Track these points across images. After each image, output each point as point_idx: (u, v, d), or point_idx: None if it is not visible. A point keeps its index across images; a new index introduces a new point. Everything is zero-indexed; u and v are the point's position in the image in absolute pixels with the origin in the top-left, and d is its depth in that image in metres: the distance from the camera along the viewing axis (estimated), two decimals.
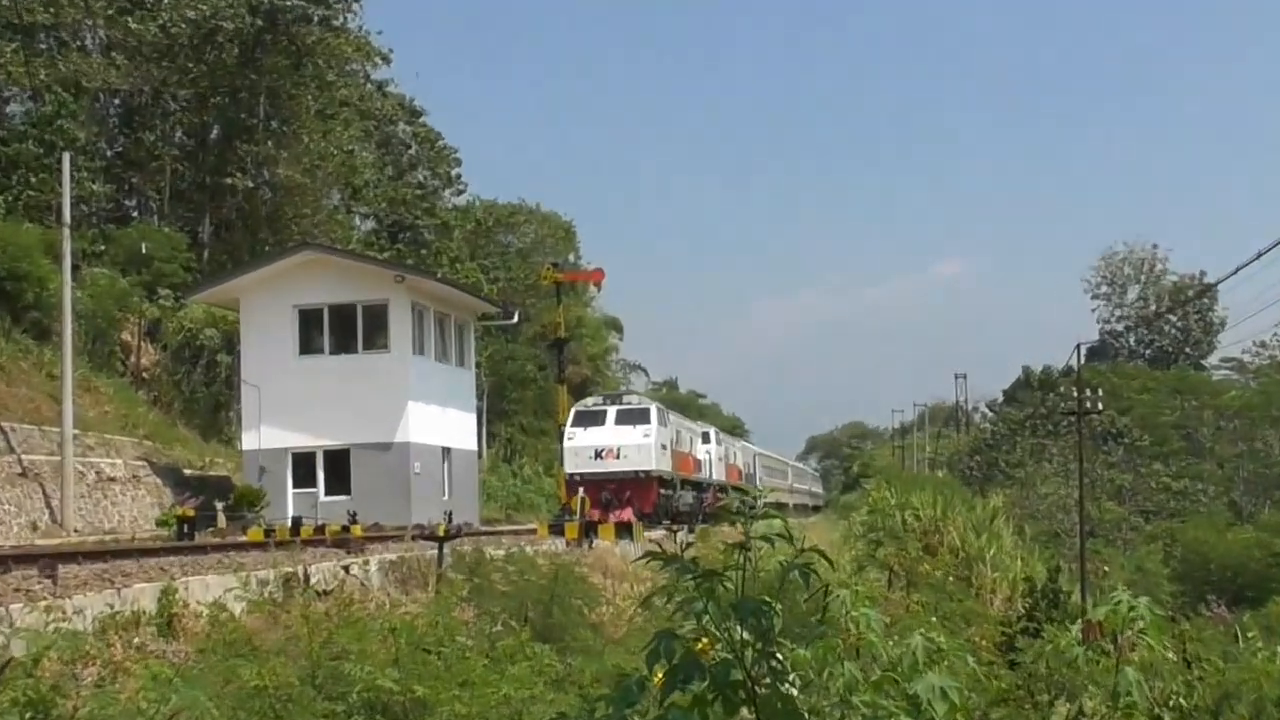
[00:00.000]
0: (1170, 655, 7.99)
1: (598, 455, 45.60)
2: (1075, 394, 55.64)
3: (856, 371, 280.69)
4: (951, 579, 28.98)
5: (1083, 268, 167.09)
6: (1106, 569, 40.19)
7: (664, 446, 48.59)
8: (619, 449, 45.89)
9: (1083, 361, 67.39)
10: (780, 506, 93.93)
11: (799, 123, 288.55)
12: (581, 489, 41.46)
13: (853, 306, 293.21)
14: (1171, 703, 8.00)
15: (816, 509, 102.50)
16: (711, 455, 60.68)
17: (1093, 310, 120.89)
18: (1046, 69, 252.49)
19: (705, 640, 4.15)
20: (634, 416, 47.78)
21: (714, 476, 60.59)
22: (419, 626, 12.50)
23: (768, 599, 4.14)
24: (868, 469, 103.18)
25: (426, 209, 68.44)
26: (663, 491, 48.28)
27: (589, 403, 49.60)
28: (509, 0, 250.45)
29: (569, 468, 45.21)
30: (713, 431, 64.64)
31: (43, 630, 8.47)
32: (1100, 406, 58.10)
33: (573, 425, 46.37)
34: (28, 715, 6.36)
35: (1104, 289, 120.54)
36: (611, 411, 47.71)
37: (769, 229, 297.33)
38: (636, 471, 45.62)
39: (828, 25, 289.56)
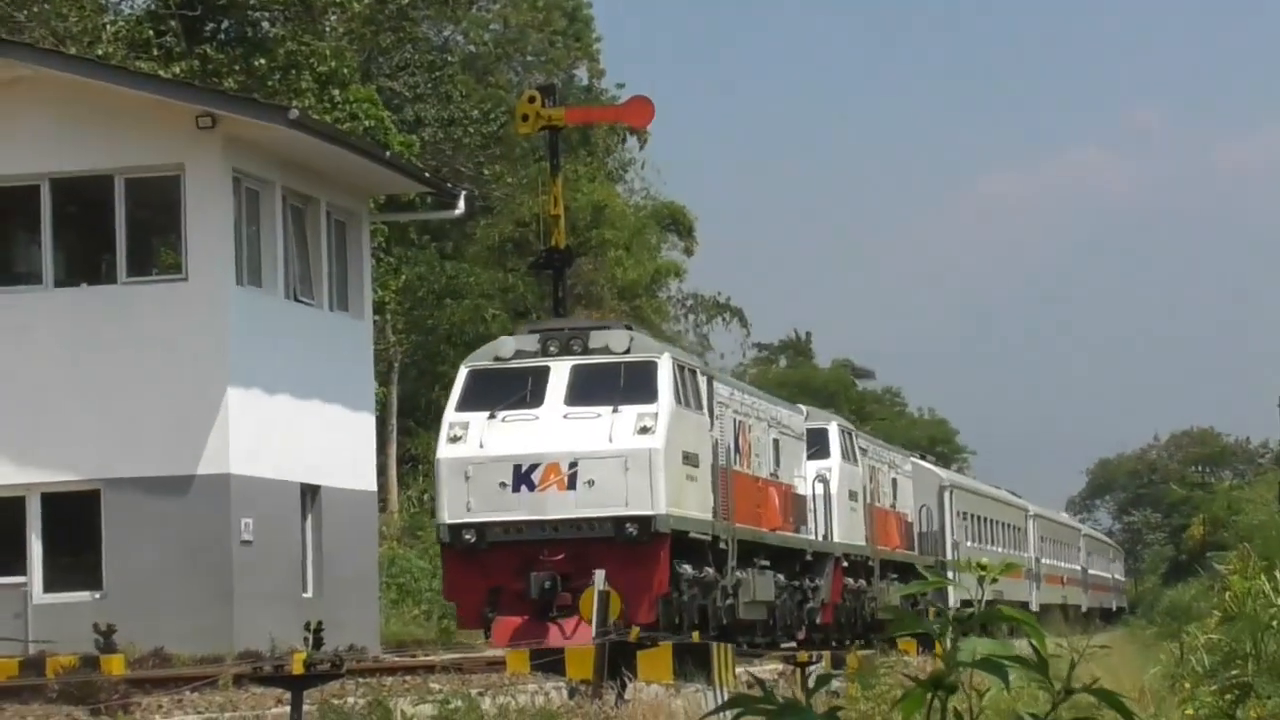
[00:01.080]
0: None
1: (522, 481, 37.52)
2: None
3: (1196, 327, 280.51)
4: None
5: None
6: None
7: (689, 457, 39.88)
8: (573, 465, 37.63)
9: None
10: (1067, 609, 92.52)
11: None
12: (482, 568, 37.34)
13: (1186, 180, 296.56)
14: None
15: (1115, 612, 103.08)
16: (832, 481, 51.46)
17: None
18: None
19: None
20: (618, 381, 39.66)
21: (835, 533, 51.73)
22: None
23: None
24: (1223, 529, 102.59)
25: None
26: (689, 570, 39.52)
27: (505, 349, 40.82)
28: None
29: (447, 514, 38.47)
30: (834, 427, 55.54)
31: None
32: None
33: (463, 406, 39.45)
34: None
35: None
36: (561, 369, 39.50)
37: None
38: (621, 522, 37.43)
39: None
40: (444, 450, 36.19)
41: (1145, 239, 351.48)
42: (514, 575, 34.61)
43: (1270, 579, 46.11)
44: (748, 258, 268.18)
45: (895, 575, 55.14)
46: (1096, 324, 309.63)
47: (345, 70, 68.18)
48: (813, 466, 48.82)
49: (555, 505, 34.72)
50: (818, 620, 44.92)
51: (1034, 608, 71.38)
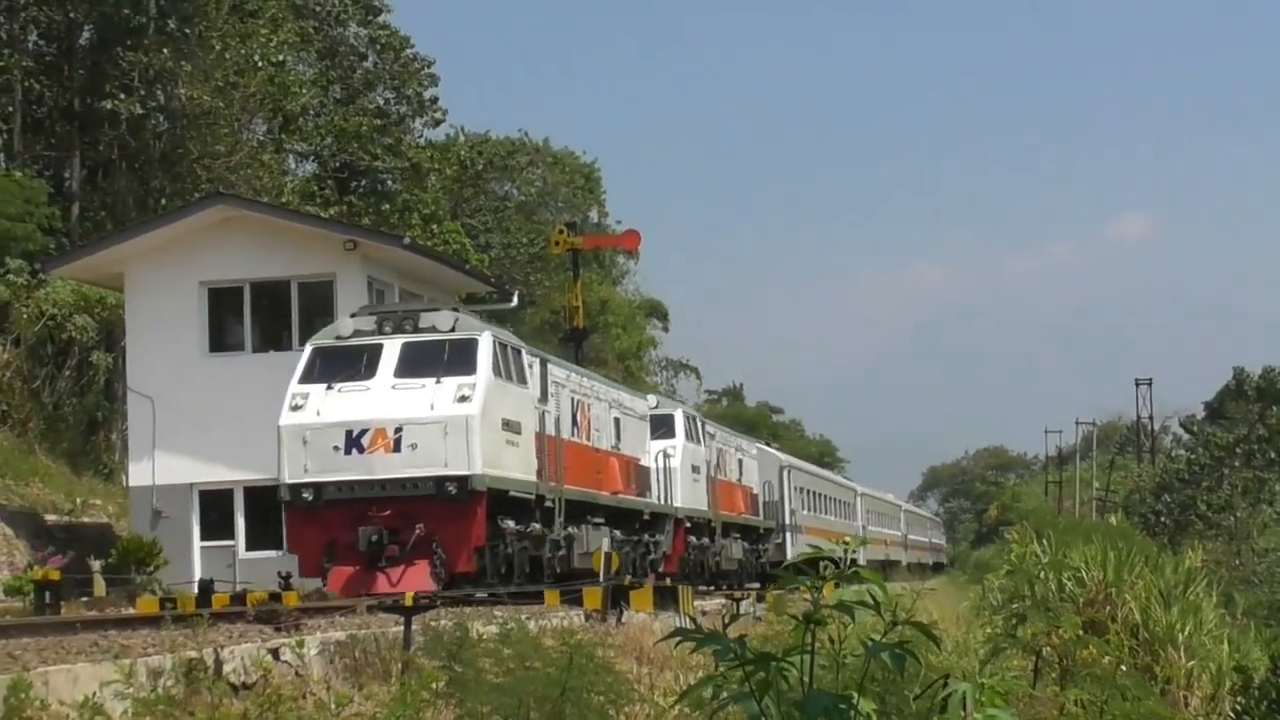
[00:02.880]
0: None
1: (353, 445, 29.99)
2: None
3: (996, 377, 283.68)
4: (1127, 668, 28.83)
5: None
6: None
7: (510, 424, 31.48)
8: (398, 430, 29.77)
9: None
10: (889, 565, 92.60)
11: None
12: (319, 523, 29.80)
13: (990, 284, 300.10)
14: None
15: (938, 567, 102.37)
16: (676, 458, 42.40)
17: None
18: None
19: None
20: (441, 356, 30.91)
21: (676, 499, 41.79)
22: None
23: (851, 694, 4.16)
24: (1009, 512, 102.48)
25: (389, 146, 68.44)
26: (512, 525, 31.41)
27: (345, 329, 32.38)
28: None
29: (287, 474, 30.17)
30: (679, 413, 45.73)
31: None
32: None
33: (304, 379, 31.10)
34: None
35: None
36: (393, 347, 31.15)
37: (866, 176, 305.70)
38: (442, 481, 29.27)
39: None
40: (285, 418, 29.51)
41: (961, 322, 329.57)
42: (347, 530, 28.67)
43: (1038, 544, 46.29)
44: (706, 324, 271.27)
45: (738, 535, 49.27)
46: (929, 377, 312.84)
47: (440, 212, 68.37)
48: (659, 444, 41.16)
49: (382, 466, 28.35)
50: (660, 569, 38.16)
51: (862, 562, 60.19)
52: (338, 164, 65.74)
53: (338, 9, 67.02)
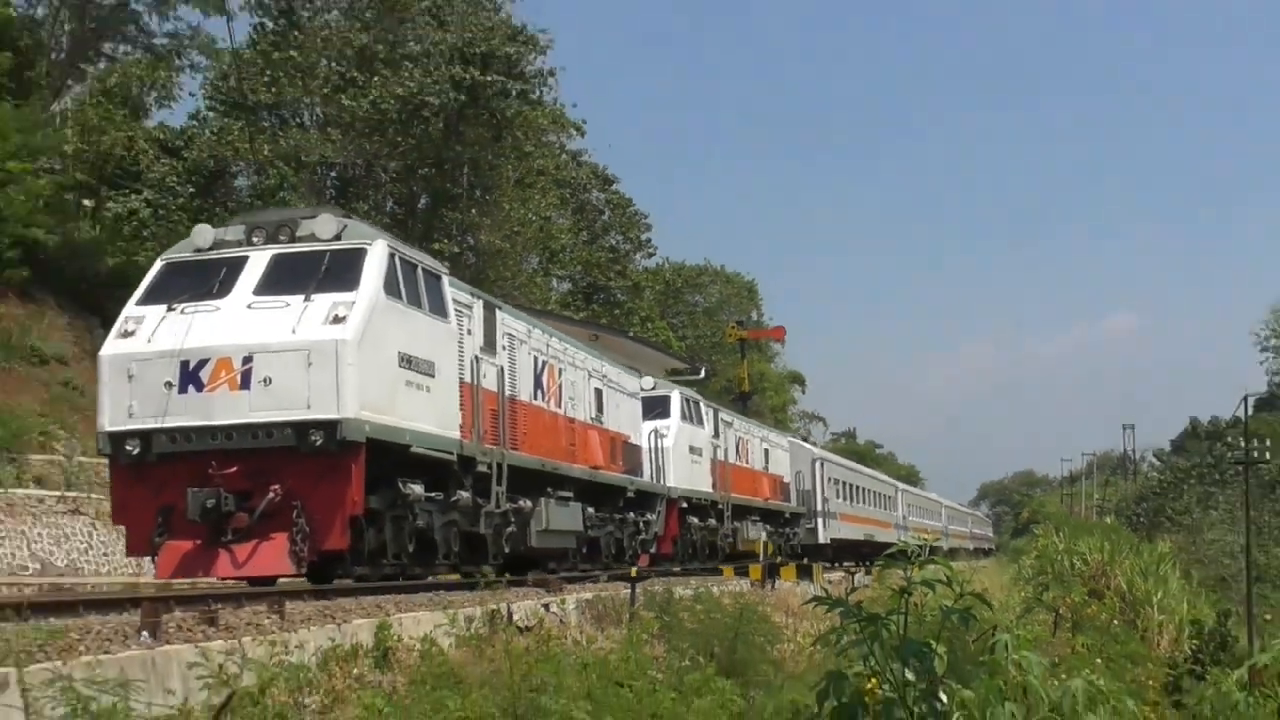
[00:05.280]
0: None
1: (189, 381, 14.97)
2: (1243, 444, 54.30)
3: (1028, 423, 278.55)
4: (1117, 622, 28.37)
5: (1250, 320, 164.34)
6: (1269, 617, 38.83)
7: (413, 362, 16.21)
8: (247, 360, 14.89)
9: (1250, 413, 65.50)
10: (933, 550, 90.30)
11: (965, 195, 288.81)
12: (152, 484, 15.10)
13: (1022, 360, 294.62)
14: None
15: (988, 553, 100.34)
16: (669, 437, 29.59)
17: (1261, 363, 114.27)
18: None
19: (873, 681, 4.24)
20: (319, 270, 15.62)
21: (670, 479, 28.98)
22: (612, 661, 12.71)
23: (930, 642, 4.22)
24: (1037, 515, 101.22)
25: (619, 271, 68.94)
26: (417, 490, 16.51)
27: (204, 238, 16.59)
28: (692, 79, 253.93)
29: (107, 420, 15.25)
30: (676, 394, 31.67)
31: (268, 663, 8.80)
32: (1268, 456, 56.92)
33: (145, 300, 16.04)
34: None
35: (1273, 342, 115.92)
36: (260, 259, 15.95)
37: (940, 285, 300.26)
38: (304, 428, 14.53)
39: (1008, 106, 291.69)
40: (107, 347, 16.02)
41: (1009, 385, 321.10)
42: (172, 490, 15.45)
43: (1056, 537, 45.37)
44: (836, 384, 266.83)
45: (758, 518, 37.47)
46: (988, 423, 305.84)
47: (652, 315, 68.73)
48: (654, 424, 28.69)
49: (225, 408, 15.15)
50: (653, 550, 27.24)
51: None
52: (584, 284, 66.35)
53: (585, 181, 67.78)
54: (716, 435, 33.62)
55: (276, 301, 14.73)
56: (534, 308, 46.54)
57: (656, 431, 28.48)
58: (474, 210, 49.30)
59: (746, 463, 37.75)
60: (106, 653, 8.44)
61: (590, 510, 23.07)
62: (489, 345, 18.84)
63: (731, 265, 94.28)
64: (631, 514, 25.98)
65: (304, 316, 14.49)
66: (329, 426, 13.96)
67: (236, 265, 15.31)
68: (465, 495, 17.29)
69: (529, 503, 19.76)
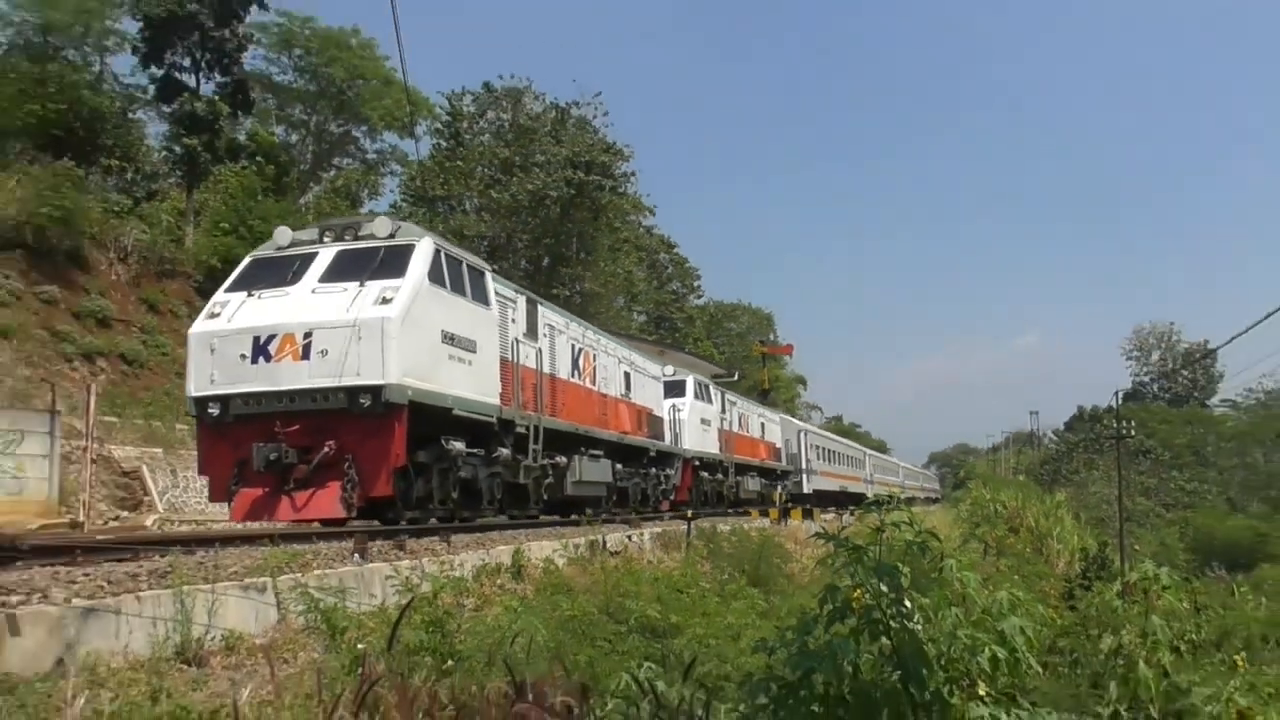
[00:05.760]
0: (1185, 605, 7.52)
1: (260, 353, 12.36)
2: (1115, 424, 53.48)
3: (965, 409, 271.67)
4: (1028, 550, 27.81)
5: (1118, 338, 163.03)
6: (1138, 546, 38.01)
7: (455, 339, 13.54)
8: (308, 335, 12.27)
9: (1120, 402, 64.34)
10: (900, 501, 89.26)
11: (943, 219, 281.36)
12: (230, 441, 12.33)
13: (966, 364, 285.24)
14: (1186, 638, 7.54)
15: (935, 500, 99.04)
16: (685, 411, 26.54)
17: (1126, 367, 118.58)
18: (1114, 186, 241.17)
19: (858, 591, 4.12)
20: (374, 262, 13.08)
21: (685, 442, 26.02)
22: (674, 575, 12.57)
23: (898, 565, 4.10)
24: (970, 474, 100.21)
25: (678, 308, 68.84)
26: (459, 447, 13.69)
27: (284, 238, 13.83)
28: (727, 160, 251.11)
29: (193, 386, 12.55)
30: (690, 379, 28.16)
31: (439, 575, 8.77)
32: (1133, 433, 56.25)
33: (232, 288, 13.25)
34: (430, 628, 6.57)
35: (1135, 353, 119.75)
36: (327, 254, 13.34)
37: (904, 304, 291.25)
38: (354, 392, 12.00)
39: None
40: (195, 326, 13.17)
41: (961, 385, 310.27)
42: (239, 445, 12.75)
43: (984, 489, 44.56)
44: (833, 376, 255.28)
45: (756, 474, 34.60)
46: (939, 409, 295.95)
47: (701, 336, 68.54)
48: (672, 401, 25.87)
49: (289, 376, 12.38)
50: (672, 497, 24.56)
51: (869, 495, 55.48)
52: (655, 316, 66.24)
53: (655, 246, 67.75)
54: (724, 411, 31.16)
55: (336, 288, 12.61)
56: (620, 332, 46.59)
57: (675, 407, 25.94)
58: (580, 267, 49.43)
59: (747, 432, 34.71)
60: (330, 568, 8.46)
61: (619, 466, 20.52)
62: (531, 332, 16.48)
63: (756, 301, 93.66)
64: (654, 470, 23.48)
65: (357, 299, 12.38)
66: (375, 391, 11.89)
67: (308, 259, 13.17)
68: (505, 452, 14.92)
69: (564, 459, 17.37)
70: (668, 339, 58.46)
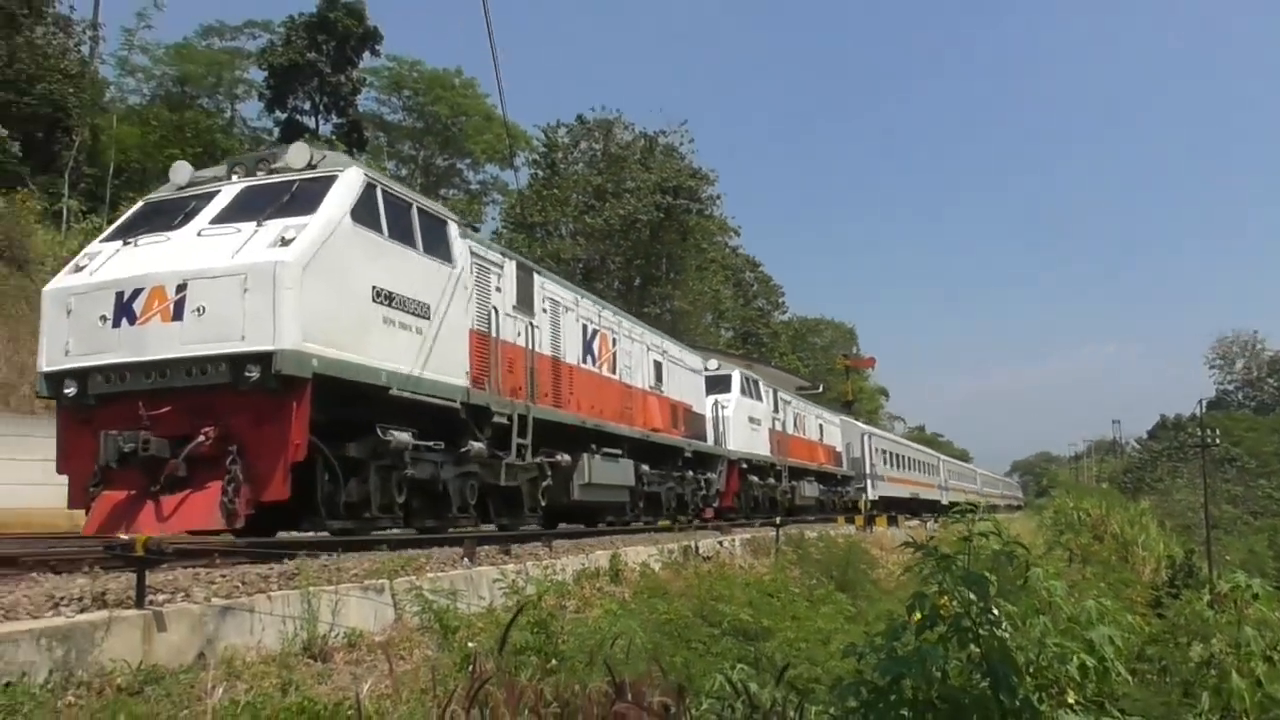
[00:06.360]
0: (1276, 615, 7.19)
1: (123, 314, 7.84)
2: (1200, 432, 51.30)
3: (1049, 417, 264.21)
4: (1114, 558, 26.83)
5: (1203, 347, 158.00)
6: (1228, 556, 36.32)
7: (392, 298, 9.15)
8: (180, 288, 7.80)
9: (1205, 411, 61.76)
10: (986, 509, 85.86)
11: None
12: (94, 429, 7.87)
13: (1048, 372, 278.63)
14: (1278, 648, 7.19)
15: (1018, 508, 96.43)
16: (730, 408, 21.94)
17: (1209, 376, 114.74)
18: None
19: (946, 598, 4.04)
20: (283, 198, 8.67)
21: (729, 443, 21.37)
22: (764, 580, 12.46)
23: (985, 573, 4.01)
24: (1053, 482, 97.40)
25: (764, 324, 68.17)
26: (403, 437, 9.32)
27: (182, 175, 9.63)
28: (806, 190, 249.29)
29: (44, 359, 8.28)
30: (737, 374, 23.77)
31: (542, 579, 8.83)
32: (1218, 440, 53.93)
33: (111, 237, 8.98)
34: (535, 629, 6.62)
35: (1218, 362, 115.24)
36: (231, 192, 9.04)
37: (984, 322, 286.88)
38: (240, 362, 7.68)
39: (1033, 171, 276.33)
40: (51, 282, 8.29)
41: (1038, 392, 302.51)
42: (93, 433, 7.53)
43: (1068, 497, 43.21)
44: (918, 385, 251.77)
45: (814, 479, 29.58)
46: (1020, 416, 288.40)
47: (787, 351, 67.94)
48: (715, 398, 21.50)
49: (157, 342, 7.32)
50: (715, 504, 20.06)
51: (944, 503, 48.27)
52: (742, 332, 65.78)
53: (741, 265, 67.48)
54: (776, 410, 26.58)
55: (228, 229, 8.62)
56: (710, 348, 46.39)
57: (719, 403, 21.45)
58: (669, 286, 49.50)
59: (803, 434, 29.81)
60: (442, 571, 8.58)
61: (645, 468, 16.29)
62: (524, 305, 12.44)
63: (839, 317, 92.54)
64: (691, 472, 18.77)
65: (250, 242, 8.36)
66: (264, 359, 7.95)
67: (206, 199, 9.28)
68: (478, 446, 10.98)
69: (567, 457, 13.29)
70: (754, 353, 58.07)
